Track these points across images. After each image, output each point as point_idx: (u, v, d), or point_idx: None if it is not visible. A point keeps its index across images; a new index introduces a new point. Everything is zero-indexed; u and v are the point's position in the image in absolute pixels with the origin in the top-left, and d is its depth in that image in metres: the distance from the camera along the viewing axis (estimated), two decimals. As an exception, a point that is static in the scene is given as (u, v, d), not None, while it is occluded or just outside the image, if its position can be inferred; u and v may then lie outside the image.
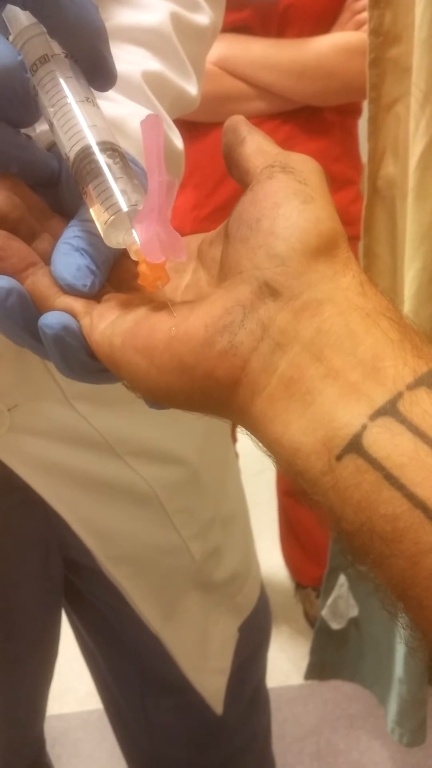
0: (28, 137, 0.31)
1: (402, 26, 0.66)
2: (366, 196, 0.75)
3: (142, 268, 0.28)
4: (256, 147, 0.30)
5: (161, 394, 0.27)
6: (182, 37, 0.48)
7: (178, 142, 0.47)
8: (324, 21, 1.09)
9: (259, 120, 1.12)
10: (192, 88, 0.49)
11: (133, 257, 0.28)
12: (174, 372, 0.26)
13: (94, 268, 0.29)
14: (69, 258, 0.29)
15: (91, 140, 0.29)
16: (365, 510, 0.22)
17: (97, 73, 0.30)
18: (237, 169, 0.30)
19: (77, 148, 0.29)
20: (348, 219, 0.95)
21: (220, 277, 0.28)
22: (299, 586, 1.55)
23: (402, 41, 0.66)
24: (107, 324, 0.28)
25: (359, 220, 0.78)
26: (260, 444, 0.26)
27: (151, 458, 0.57)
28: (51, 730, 0.81)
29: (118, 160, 0.29)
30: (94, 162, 0.29)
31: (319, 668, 1.11)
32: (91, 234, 0.30)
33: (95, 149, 0.29)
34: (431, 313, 0.72)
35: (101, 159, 0.29)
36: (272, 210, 0.26)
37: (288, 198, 0.26)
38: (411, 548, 0.21)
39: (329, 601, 1.02)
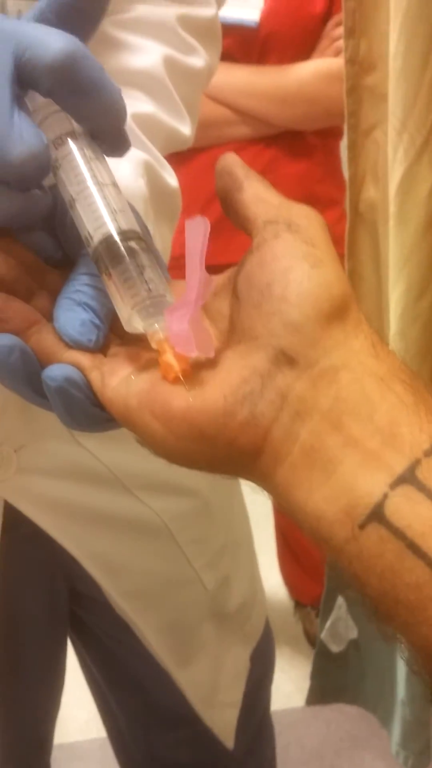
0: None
1: (377, 55, 0.67)
2: (348, 220, 0.76)
3: (166, 358, 0.27)
4: (255, 195, 0.30)
5: (179, 458, 0.27)
6: (176, 80, 0.48)
7: (171, 180, 0.48)
8: (304, 48, 1.11)
9: (242, 144, 1.13)
10: (185, 129, 0.50)
11: (154, 346, 0.28)
12: (194, 440, 0.26)
13: (98, 322, 0.29)
14: (72, 313, 0.29)
15: (118, 227, 0.29)
16: (389, 579, 0.23)
17: (115, 148, 0.31)
18: (236, 215, 0.30)
19: (101, 233, 0.29)
20: (333, 239, 0.96)
21: (232, 338, 0.28)
22: (298, 604, 1.54)
23: (377, 69, 0.67)
24: (119, 381, 0.28)
25: (344, 239, 0.79)
26: (283, 508, 0.26)
27: (161, 491, 0.57)
28: (52, 760, 0.81)
29: (145, 247, 0.29)
30: (121, 248, 0.29)
31: (321, 692, 1.10)
32: (93, 287, 0.30)
33: (121, 236, 0.29)
34: (417, 334, 0.72)
35: (128, 246, 0.29)
36: (283, 275, 0.26)
37: (298, 262, 0.26)
38: None
39: (328, 623, 1.02)
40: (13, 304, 0.30)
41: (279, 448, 0.25)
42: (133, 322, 0.28)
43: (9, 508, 0.50)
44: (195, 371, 0.27)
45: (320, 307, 0.26)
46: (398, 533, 0.22)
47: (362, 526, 0.23)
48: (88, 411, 0.29)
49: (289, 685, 1.37)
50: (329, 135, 1.18)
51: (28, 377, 0.29)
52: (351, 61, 0.68)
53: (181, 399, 0.26)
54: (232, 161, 0.31)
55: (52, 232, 0.32)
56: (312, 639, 1.49)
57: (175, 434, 0.26)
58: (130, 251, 0.29)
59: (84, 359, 0.29)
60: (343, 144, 1.03)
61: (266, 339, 0.26)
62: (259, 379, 0.25)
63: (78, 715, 1.32)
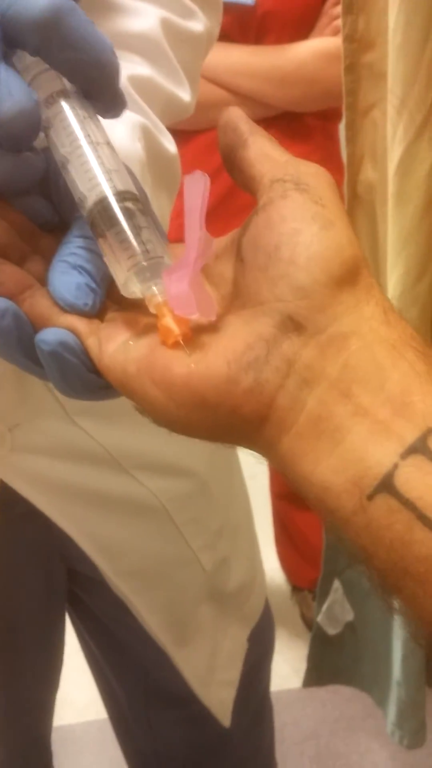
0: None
1: (375, 32, 0.66)
2: (346, 201, 0.75)
3: (165, 322, 0.26)
4: (261, 151, 0.28)
5: (179, 427, 0.26)
6: (174, 43, 0.47)
7: (170, 146, 0.46)
8: (302, 27, 1.09)
9: (240, 126, 1.12)
10: (185, 94, 0.48)
11: (152, 310, 0.27)
12: (195, 408, 0.25)
13: (94, 285, 0.28)
14: (67, 276, 0.28)
15: (113, 187, 0.28)
16: (398, 550, 0.22)
17: (110, 108, 0.30)
18: (240, 173, 0.29)
19: (96, 195, 0.28)
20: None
21: (236, 303, 0.27)
22: (295, 588, 1.55)
23: (376, 47, 0.66)
24: (117, 347, 0.27)
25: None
26: (287, 478, 0.25)
27: (159, 471, 0.56)
28: (51, 742, 0.82)
29: (141, 208, 0.28)
30: (116, 209, 0.28)
31: (317, 674, 1.11)
32: (88, 250, 0.29)
33: (116, 197, 0.28)
34: (416, 316, 0.72)
35: (124, 206, 0.28)
36: (291, 237, 0.25)
37: (307, 223, 0.25)
38: None
39: (325, 606, 1.02)
40: (5, 268, 0.29)
41: (284, 416, 0.25)
42: (130, 285, 0.28)
43: (4, 487, 0.49)
44: (196, 336, 0.26)
45: (330, 271, 0.25)
46: (408, 504, 0.22)
47: (371, 497, 0.23)
48: (84, 377, 0.28)
49: (286, 667, 1.38)
50: (328, 118, 1.16)
51: (21, 342, 0.28)
52: (349, 38, 0.67)
53: (182, 365, 0.25)
54: (236, 116, 0.30)
55: (46, 195, 0.31)
56: (309, 622, 1.50)
57: (176, 401, 0.25)
58: (126, 212, 0.28)
59: (80, 324, 0.28)
60: (342, 126, 1.03)
61: (273, 304, 0.25)
62: (265, 345, 0.25)
63: (77, 699, 1.33)
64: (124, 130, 0.42)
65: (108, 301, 0.30)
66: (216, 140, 0.31)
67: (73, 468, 0.52)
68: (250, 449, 0.27)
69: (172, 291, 0.26)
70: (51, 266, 0.29)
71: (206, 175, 0.27)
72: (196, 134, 1.10)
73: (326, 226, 0.25)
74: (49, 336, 0.27)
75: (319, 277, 0.25)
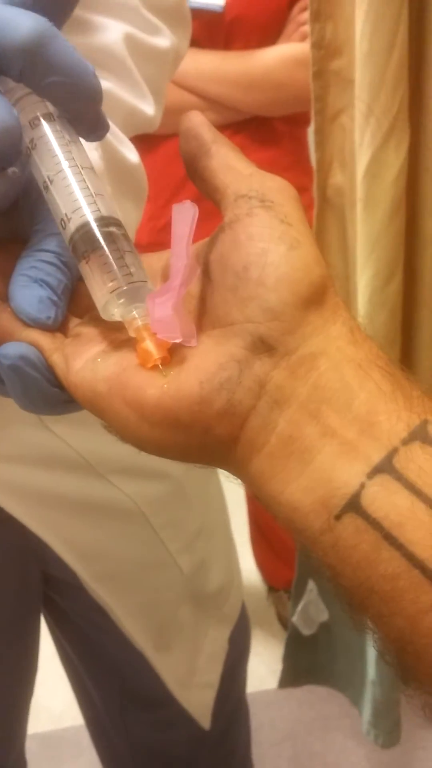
0: None
1: (343, 39, 0.67)
2: (316, 206, 0.76)
3: (145, 345, 0.26)
4: (224, 162, 0.28)
5: (151, 446, 0.26)
6: (137, 59, 0.47)
7: (131, 155, 0.46)
8: (270, 33, 1.10)
9: (210, 130, 1.12)
10: (148, 108, 0.48)
11: (132, 334, 0.27)
12: (168, 428, 0.25)
13: (55, 299, 0.28)
14: (29, 290, 0.28)
15: (98, 211, 0.28)
16: (365, 569, 0.22)
17: (92, 131, 0.30)
18: (203, 182, 0.29)
19: (81, 218, 0.28)
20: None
21: (204, 321, 0.27)
22: (272, 589, 1.55)
23: (344, 54, 0.67)
24: (84, 364, 0.27)
25: (312, 225, 0.79)
26: (257, 497, 0.26)
27: (135, 475, 0.56)
28: (26, 750, 0.81)
29: (124, 233, 0.29)
30: (101, 233, 0.28)
31: (293, 675, 1.11)
32: (48, 264, 0.29)
33: (101, 222, 0.28)
34: (385, 319, 0.73)
35: (108, 231, 0.28)
36: (259, 257, 0.25)
37: (274, 243, 0.25)
38: (410, 607, 0.22)
39: (299, 607, 1.03)
40: None
41: (256, 437, 0.25)
42: (110, 308, 0.28)
43: None
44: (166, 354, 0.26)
45: (299, 292, 0.25)
46: (374, 524, 0.22)
47: (338, 517, 0.23)
48: (46, 392, 0.28)
49: (262, 667, 1.38)
50: (297, 122, 1.17)
51: None
52: (317, 45, 0.68)
53: (154, 385, 0.25)
54: (198, 122, 0.29)
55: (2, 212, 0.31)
56: (285, 622, 1.50)
57: (149, 422, 0.25)
58: (111, 236, 0.28)
59: (44, 340, 0.28)
60: (311, 131, 1.04)
61: (243, 325, 0.25)
62: (237, 366, 0.25)
63: (52, 706, 1.32)
64: (80, 140, 0.42)
65: (69, 314, 0.30)
66: None
67: (48, 475, 0.52)
68: (222, 469, 0.27)
69: (156, 315, 0.26)
70: (11, 280, 0.29)
71: (195, 204, 0.27)
72: (166, 139, 1.10)
73: (294, 246, 0.26)
74: (9, 350, 0.27)
75: (289, 299, 0.25)
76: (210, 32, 1.08)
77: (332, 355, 0.25)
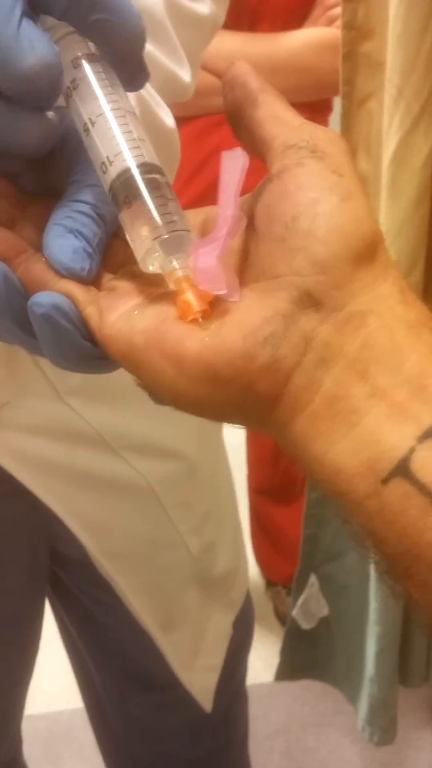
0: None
1: (375, 21, 0.66)
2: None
3: (185, 297, 0.25)
4: (272, 112, 0.27)
5: (187, 403, 0.25)
6: (177, 23, 0.46)
7: (168, 119, 0.46)
8: (296, 16, 1.08)
9: (230, 115, 1.11)
10: (185, 74, 0.48)
11: (172, 286, 0.26)
12: (206, 383, 0.24)
13: (90, 250, 0.27)
14: (64, 240, 0.27)
15: (141, 156, 0.27)
16: (411, 536, 0.22)
17: (134, 78, 0.29)
18: (248, 133, 0.28)
19: (124, 163, 0.27)
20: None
21: (248, 274, 0.26)
22: (270, 583, 1.55)
23: (375, 36, 0.66)
24: (119, 317, 0.26)
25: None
26: (297, 460, 0.25)
27: (148, 452, 0.56)
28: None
29: (167, 181, 0.28)
30: (145, 179, 0.27)
31: (290, 668, 1.11)
32: (84, 215, 0.28)
33: (145, 167, 0.27)
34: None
35: (153, 177, 0.27)
36: (309, 207, 0.24)
37: (326, 193, 0.24)
38: None
39: (300, 601, 1.02)
40: None
41: (300, 395, 0.24)
42: (151, 257, 0.26)
43: None
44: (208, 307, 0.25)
45: (350, 246, 0.24)
46: (424, 489, 0.21)
47: (385, 481, 0.22)
48: (78, 344, 0.26)
49: (258, 661, 1.38)
50: (318, 109, 1.16)
51: (11, 306, 0.27)
52: (348, 26, 0.66)
53: (195, 338, 0.24)
54: (244, 70, 0.28)
55: (31, 161, 0.30)
56: (282, 617, 1.50)
57: (187, 376, 0.24)
58: (154, 183, 0.27)
59: (78, 291, 0.27)
60: (334, 119, 1.02)
61: (290, 278, 0.24)
62: (282, 321, 0.24)
63: (47, 688, 1.32)
64: None
65: (103, 269, 0.29)
66: (206, 128, 0.30)
67: (62, 447, 0.51)
68: (259, 429, 0.26)
69: (199, 265, 0.25)
70: (46, 229, 0.28)
71: (245, 153, 0.26)
72: (188, 120, 1.09)
73: (346, 198, 0.24)
74: (42, 299, 0.26)
75: (339, 252, 0.24)
76: (235, 14, 1.07)
77: (382, 314, 0.24)
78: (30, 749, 0.79)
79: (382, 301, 0.24)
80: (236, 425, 0.26)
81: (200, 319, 0.25)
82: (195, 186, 1.13)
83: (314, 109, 1.15)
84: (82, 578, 0.62)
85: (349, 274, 0.24)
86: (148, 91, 0.44)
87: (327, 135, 0.26)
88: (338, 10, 0.76)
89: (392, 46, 0.63)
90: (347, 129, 0.71)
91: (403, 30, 0.62)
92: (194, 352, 0.24)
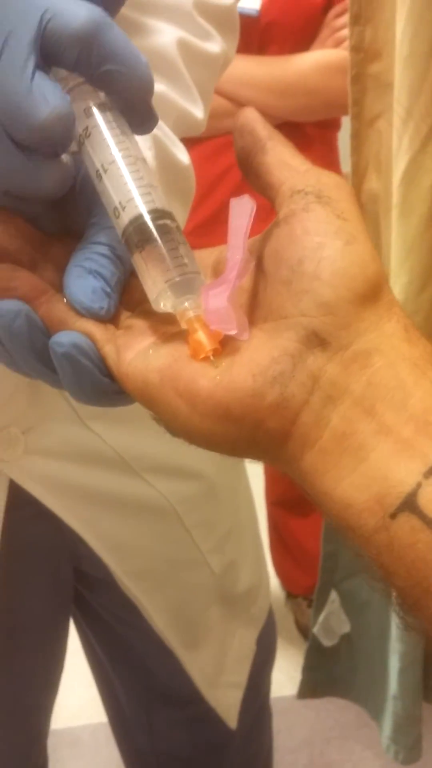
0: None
1: (382, 42, 0.67)
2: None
3: (197, 336, 0.26)
4: (280, 158, 0.28)
5: (200, 439, 0.26)
6: (189, 63, 0.48)
7: (183, 156, 0.47)
8: (304, 38, 1.10)
9: (240, 135, 1.12)
10: (197, 111, 0.49)
11: (184, 326, 0.27)
12: (219, 420, 0.25)
13: (109, 290, 0.29)
14: (83, 281, 0.28)
15: (152, 202, 0.28)
16: (420, 569, 0.22)
17: (144, 123, 0.30)
18: (257, 178, 0.29)
19: (135, 209, 0.28)
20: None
21: (257, 315, 0.27)
22: (290, 595, 1.55)
23: (383, 57, 0.67)
24: (136, 355, 0.27)
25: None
26: (308, 494, 0.25)
27: (169, 473, 0.57)
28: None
29: (177, 225, 0.29)
30: (156, 225, 0.28)
31: (312, 686, 1.10)
32: (102, 256, 0.29)
33: (156, 213, 0.28)
34: (419, 327, 0.72)
35: (164, 223, 0.28)
36: (315, 251, 0.25)
37: (330, 237, 0.25)
38: None
39: (321, 618, 1.02)
40: (20, 273, 0.29)
41: (308, 432, 0.24)
42: (162, 299, 0.28)
43: (15, 488, 0.50)
44: (219, 347, 0.26)
45: (354, 288, 0.25)
46: (431, 524, 0.22)
47: (393, 516, 0.23)
48: (97, 381, 0.28)
49: (280, 674, 1.37)
50: (328, 127, 1.17)
51: (34, 345, 0.28)
52: (356, 49, 0.67)
53: (207, 376, 0.25)
54: (253, 118, 0.29)
55: (56, 204, 0.31)
56: (303, 629, 1.49)
57: (200, 413, 0.25)
58: (165, 228, 0.28)
59: (96, 330, 0.28)
60: (343, 136, 1.03)
61: (297, 318, 0.25)
62: (290, 360, 0.25)
63: (70, 703, 1.32)
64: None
65: (121, 307, 0.30)
66: (216, 149, 0.31)
67: (84, 470, 0.52)
68: (272, 464, 0.26)
69: (210, 306, 0.26)
70: (66, 271, 0.29)
71: (253, 200, 0.27)
72: (198, 141, 1.10)
73: (350, 242, 0.25)
74: (63, 338, 0.27)
75: (344, 294, 0.25)
76: (244, 36, 1.08)
77: (387, 353, 0.24)
78: (53, 764, 0.79)
79: (387, 339, 0.25)
80: (249, 459, 0.27)
81: (211, 358, 0.26)
82: (206, 207, 1.14)
83: (324, 126, 1.16)
84: (106, 597, 0.62)
85: (354, 315, 0.25)
86: (163, 130, 0.45)
87: (332, 180, 0.27)
88: (346, 32, 0.77)
89: (400, 67, 0.64)
90: (357, 149, 0.72)
91: (410, 52, 0.63)
92: (207, 391, 0.25)
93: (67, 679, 0.72)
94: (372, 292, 0.25)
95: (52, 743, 0.75)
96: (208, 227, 1.09)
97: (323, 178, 0.27)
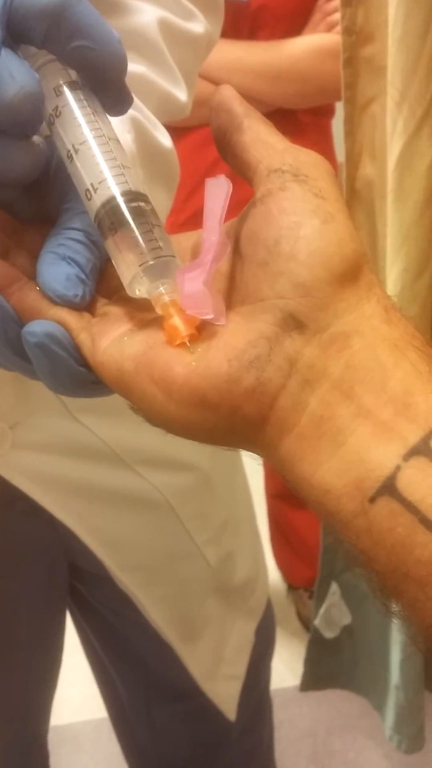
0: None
1: (374, 25, 0.65)
2: (344, 198, 0.74)
3: (172, 322, 0.25)
4: (257, 137, 0.27)
5: (177, 428, 0.25)
6: (171, 43, 0.47)
7: (165, 140, 0.46)
8: (296, 22, 1.08)
9: (233, 122, 1.11)
10: (180, 94, 0.48)
11: (159, 311, 0.26)
12: (195, 408, 0.24)
13: (83, 276, 0.28)
14: (56, 267, 0.28)
15: (125, 183, 0.27)
16: (399, 554, 0.22)
17: (117, 103, 0.29)
18: (234, 158, 0.28)
19: (108, 191, 0.27)
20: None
21: (233, 298, 0.26)
22: (291, 587, 1.55)
23: (375, 40, 0.66)
24: (110, 343, 0.26)
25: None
26: (286, 480, 0.25)
27: (162, 466, 0.56)
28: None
29: (152, 208, 0.28)
30: (129, 207, 0.27)
31: (314, 678, 1.10)
32: (76, 242, 0.28)
33: (129, 195, 0.27)
34: (416, 314, 0.71)
35: (138, 205, 0.27)
36: (291, 231, 0.24)
37: (307, 216, 0.25)
38: None
39: (322, 610, 1.02)
40: None
41: (286, 417, 0.24)
42: (136, 284, 0.27)
43: (5, 484, 0.49)
44: (194, 331, 0.25)
45: (332, 268, 0.24)
46: (410, 507, 0.21)
47: (372, 500, 0.22)
48: (73, 371, 0.27)
49: (282, 665, 1.38)
50: (321, 113, 1.16)
51: (7, 335, 0.27)
52: (348, 31, 0.66)
53: (182, 363, 0.24)
54: (229, 96, 0.29)
55: (29, 188, 0.30)
56: (304, 621, 1.49)
57: (176, 401, 0.24)
58: (138, 210, 0.27)
59: (71, 319, 0.27)
60: (337, 122, 1.02)
61: (273, 301, 0.24)
62: (267, 343, 0.24)
63: (71, 699, 1.32)
64: (113, 121, 0.42)
65: (97, 295, 0.29)
66: (207, 139, 0.30)
67: (75, 464, 0.52)
68: (249, 451, 0.26)
69: (186, 290, 0.25)
70: (39, 258, 0.28)
71: (228, 180, 0.27)
72: (188, 131, 1.09)
73: (328, 220, 0.25)
74: (35, 327, 0.26)
75: (321, 274, 0.24)
76: (235, 22, 1.07)
77: (366, 334, 0.24)
78: (56, 760, 0.79)
79: (366, 320, 0.24)
80: (227, 447, 0.26)
81: (188, 343, 0.25)
82: (197, 200, 1.13)
83: (317, 113, 1.15)
84: (102, 592, 0.62)
85: (332, 296, 0.24)
86: (143, 113, 0.44)
87: (310, 158, 0.27)
88: (338, 16, 0.76)
89: (393, 49, 0.63)
90: (351, 134, 0.71)
91: (403, 33, 0.61)
92: (182, 377, 0.24)
93: (68, 675, 0.72)
94: (351, 272, 0.24)
95: (53, 740, 0.75)
96: (199, 220, 1.08)
97: (301, 156, 0.26)
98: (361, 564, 0.23)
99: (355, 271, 0.25)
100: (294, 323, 0.24)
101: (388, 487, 0.22)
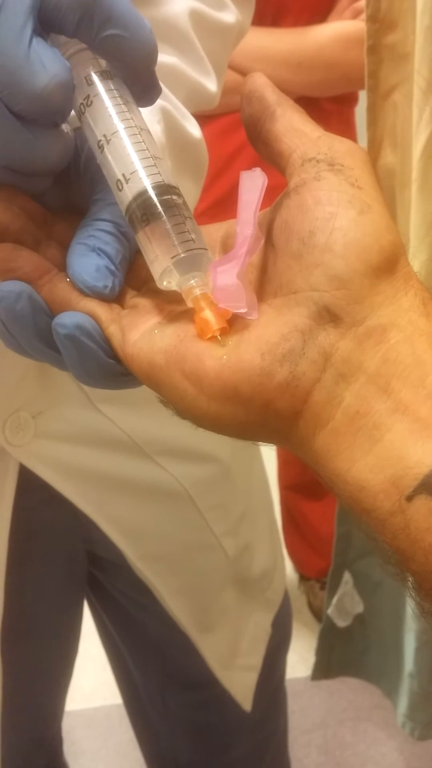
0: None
1: (398, 12, 0.65)
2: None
3: (204, 315, 0.25)
4: (289, 125, 0.27)
5: (208, 422, 0.25)
6: (202, 34, 0.46)
7: (194, 130, 0.46)
8: (321, 10, 1.07)
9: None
10: (210, 84, 0.48)
11: (190, 304, 0.26)
12: (227, 402, 0.24)
13: (113, 268, 0.28)
14: (86, 259, 0.28)
15: (158, 175, 0.27)
16: None
17: (147, 93, 0.29)
18: (266, 147, 0.28)
19: (140, 183, 0.27)
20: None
21: (266, 290, 0.26)
22: (303, 578, 1.55)
23: (398, 27, 0.65)
24: (141, 336, 0.26)
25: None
26: (320, 476, 0.25)
27: (182, 457, 0.56)
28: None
29: (183, 201, 0.28)
30: (162, 199, 0.27)
31: (326, 668, 1.10)
32: (106, 233, 0.28)
33: (162, 188, 0.27)
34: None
35: (170, 197, 0.27)
36: (326, 222, 0.24)
37: (343, 207, 0.24)
38: None
39: (335, 599, 1.02)
40: (21, 253, 0.28)
41: (320, 412, 0.23)
42: (167, 276, 0.27)
43: (26, 473, 0.50)
44: (227, 324, 0.25)
45: (369, 260, 0.24)
46: None
47: (410, 498, 0.22)
48: (102, 362, 0.27)
49: (293, 655, 1.37)
50: (344, 101, 1.14)
51: (37, 326, 0.27)
52: (372, 19, 0.65)
53: (214, 357, 0.24)
54: (261, 83, 0.28)
55: (60, 179, 0.30)
56: (316, 611, 1.50)
57: (207, 395, 0.24)
58: (171, 203, 0.27)
59: (100, 310, 0.27)
60: (360, 111, 1.01)
61: (308, 293, 0.24)
62: (300, 337, 0.23)
63: (83, 685, 1.34)
64: (143, 112, 0.42)
65: (126, 286, 0.29)
66: (229, 126, 0.29)
67: (96, 454, 0.52)
68: (282, 446, 0.26)
69: (219, 283, 0.25)
70: (69, 249, 0.28)
71: (264, 173, 0.26)
72: (209, 119, 1.09)
73: (364, 211, 0.24)
74: (66, 319, 0.26)
75: (357, 266, 0.24)
76: (258, 8, 1.05)
77: (403, 327, 0.23)
78: (67, 746, 0.80)
79: (404, 314, 0.24)
80: (259, 442, 0.26)
81: (219, 337, 0.25)
82: (219, 186, 1.12)
83: (340, 101, 1.14)
84: (121, 580, 0.62)
85: (368, 288, 0.24)
86: (173, 103, 0.44)
87: (346, 147, 0.26)
88: (363, 3, 0.75)
89: (421, 37, 0.62)
90: (373, 122, 0.70)
91: (431, 23, 0.61)
92: (213, 371, 0.24)
93: (81, 661, 0.73)
94: (387, 264, 0.24)
95: (66, 724, 0.75)
96: (222, 207, 1.08)
97: (336, 145, 0.26)
98: (396, 563, 0.23)
99: (392, 262, 0.24)
100: (329, 316, 0.24)
101: (427, 486, 0.21)
